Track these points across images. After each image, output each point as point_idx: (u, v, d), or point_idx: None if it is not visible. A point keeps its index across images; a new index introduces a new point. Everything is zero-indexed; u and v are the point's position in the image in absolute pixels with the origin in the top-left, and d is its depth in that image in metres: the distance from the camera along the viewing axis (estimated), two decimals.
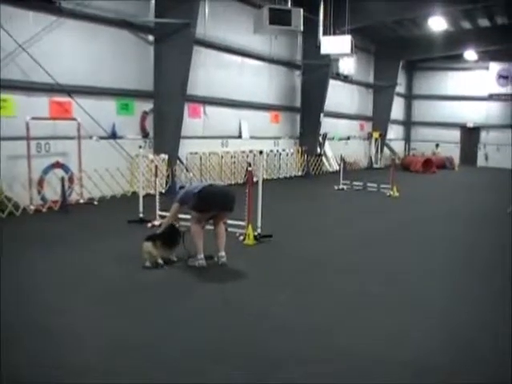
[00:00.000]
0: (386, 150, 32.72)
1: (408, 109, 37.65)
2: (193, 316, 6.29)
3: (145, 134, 16.55)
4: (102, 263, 8.45)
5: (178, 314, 6.35)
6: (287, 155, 23.19)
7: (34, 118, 12.78)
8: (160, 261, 8.12)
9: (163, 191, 15.09)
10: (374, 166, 30.75)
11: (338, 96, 27.54)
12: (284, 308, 6.66)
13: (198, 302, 6.79)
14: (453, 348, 5.63)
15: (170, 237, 8.39)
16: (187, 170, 17.55)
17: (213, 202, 8.26)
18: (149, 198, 12.45)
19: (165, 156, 16.25)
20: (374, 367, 5.13)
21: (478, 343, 5.77)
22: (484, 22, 26.88)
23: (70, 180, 13.79)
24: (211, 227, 8.65)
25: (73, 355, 5.20)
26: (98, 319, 6.12)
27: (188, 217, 8.63)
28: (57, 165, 13.60)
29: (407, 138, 37.39)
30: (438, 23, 24.20)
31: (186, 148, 17.59)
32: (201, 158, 18.42)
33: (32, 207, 12.54)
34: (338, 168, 23.23)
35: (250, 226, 10.04)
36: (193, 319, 6.19)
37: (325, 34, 21.18)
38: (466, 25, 27.38)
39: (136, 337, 5.64)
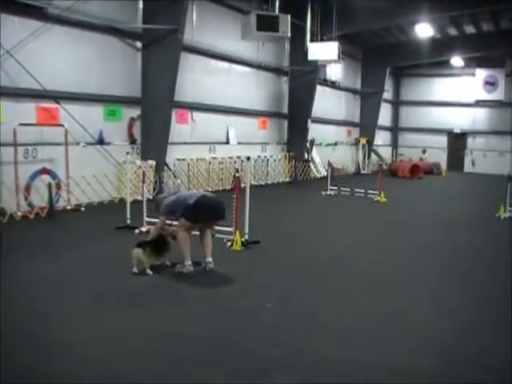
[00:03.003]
0: (373, 155, 32.85)
1: (395, 115, 37.84)
2: (180, 322, 6.29)
3: (132, 140, 16.51)
4: (90, 270, 8.42)
5: (166, 320, 6.34)
6: (275, 161, 23.24)
7: (21, 124, 12.72)
8: (148, 270, 8.12)
9: (151, 197, 15.04)
10: (362, 171, 30.88)
11: (326, 102, 27.66)
12: (271, 314, 6.66)
13: (185, 308, 6.80)
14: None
15: (160, 244, 8.43)
16: (175, 176, 17.52)
17: (207, 213, 8.41)
18: (136, 204, 12.43)
19: (152, 162, 16.20)
20: (360, 374, 5.14)
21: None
22: (470, 29, 27.13)
23: (57, 186, 13.73)
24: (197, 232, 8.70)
25: (62, 362, 5.18)
26: (86, 325, 6.10)
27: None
28: (44, 171, 13.54)
29: (394, 144, 37.56)
30: (424, 30, 24.38)
31: (173, 154, 17.58)
32: (188, 164, 18.40)
33: (19, 213, 12.46)
34: (325, 174, 23.29)
35: (237, 232, 10.06)
36: (180, 325, 6.18)
37: (312, 40, 21.35)
38: (453, 31, 27.62)
39: (124, 343, 5.63)
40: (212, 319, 6.43)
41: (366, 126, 32.24)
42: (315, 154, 26.69)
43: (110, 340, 5.73)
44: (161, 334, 5.93)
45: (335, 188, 19.49)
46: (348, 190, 19.29)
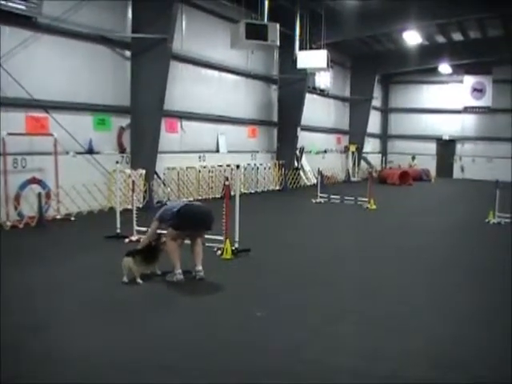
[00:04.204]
0: (362, 163, 32.95)
1: (384, 122, 37.98)
2: (169, 331, 6.28)
3: (122, 150, 16.50)
4: (80, 279, 8.39)
5: (156, 329, 6.33)
6: (264, 169, 23.27)
7: (10, 134, 12.70)
8: (138, 279, 8.12)
9: (140, 206, 15.02)
10: (352, 179, 30.90)
11: (315, 110, 27.75)
12: (260, 323, 6.66)
13: (175, 317, 6.78)
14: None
15: (150, 253, 8.43)
16: (164, 185, 17.51)
17: (191, 221, 8.37)
18: (126, 213, 12.39)
19: (142, 171, 16.19)
20: (351, 380, 5.16)
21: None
22: (458, 36, 27.34)
23: (47, 196, 13.69)
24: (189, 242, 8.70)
25: (48, 372, 5.16)
26: (74, 334, 6.08)
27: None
28: (33, 180, 13.50)
29: (384, 151, 37.71)
30: (412, 37, 24.52)
31: (163, 163, 17.55)
32: (178, 173, 18.38)
33: (8, 223, 12.43)
34: (315, 181, 23.30)
35: (227, 241, 10.05)
36: (169, 334, 6.18)
37: (301, 48, 21.41)
38: (440, 39, 27.82)
39: (113, 351, 5.62)
40: (201, 327, 6.42)
41: (356, 133, 32.34)
42: (305, 161, 26.75)
43: (98, 349, 5.71)
44: (150, 342, 5.92)
45: (325, 195, 19.52)
46: (338, 197, 19.33)
